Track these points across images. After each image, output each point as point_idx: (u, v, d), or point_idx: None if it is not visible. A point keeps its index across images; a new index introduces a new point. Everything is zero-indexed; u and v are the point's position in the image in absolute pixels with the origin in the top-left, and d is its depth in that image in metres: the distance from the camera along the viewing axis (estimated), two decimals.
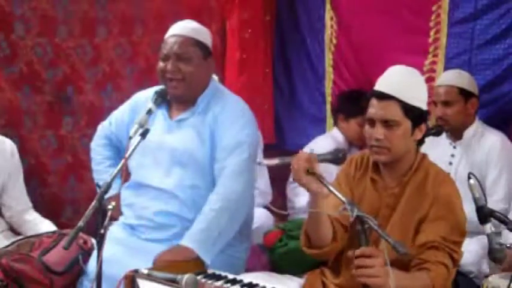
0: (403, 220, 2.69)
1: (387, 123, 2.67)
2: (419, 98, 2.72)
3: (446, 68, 4.26)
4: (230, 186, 3.14)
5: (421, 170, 2.74)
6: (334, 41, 4.79)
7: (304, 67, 4.97)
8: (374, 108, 2.71)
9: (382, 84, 2.74)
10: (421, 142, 2.81)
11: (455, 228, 2.65)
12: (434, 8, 4.32)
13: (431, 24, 4.34)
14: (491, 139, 3.87)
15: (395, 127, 2.67)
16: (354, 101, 4.50)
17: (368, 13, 4.55)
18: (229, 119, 3.24)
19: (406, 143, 2.71)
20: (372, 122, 2.71)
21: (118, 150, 3.56)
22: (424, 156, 2.81)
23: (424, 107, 2.75)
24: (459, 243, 2.66)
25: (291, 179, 4.58)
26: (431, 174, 2.73)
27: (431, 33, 4.34)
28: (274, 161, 2.63)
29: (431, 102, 3.99)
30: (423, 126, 2.75)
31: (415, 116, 2.70)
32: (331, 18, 4.78)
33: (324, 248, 2.71)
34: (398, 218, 2.70)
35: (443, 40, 4.31)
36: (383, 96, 2.69)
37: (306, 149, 4.30)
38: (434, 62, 4.34)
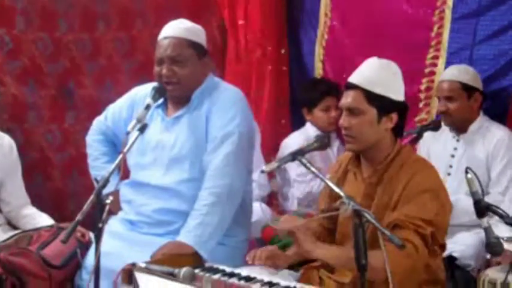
0: (380, 209, 2.70)
1: (352, 112, 2.74)
2: (386, 87, 2.74)
3: (447, 63, 4.25)
4: (218, 181, 3.14)
5: (398, 160, 2.75)
6: (326, 37, 4.77)
7: (296, 62, 4.95)
8: (343, 98, 2.79)
9: (352, 75, 2.80)
10: (400, 134, 2.82)
11: (423, 208, 2.61)
12: (439, 3, 4.31)
13: (435, 19, 4.32)
14: (498, 133, 3.88)
15: (360, 115, 2.72)
16: (310, 91, 4.50)
17: (369, 5, 4.54)
18: (219, 109, 3.24)
19: (373, 132, 2.74)
20: (342, 112, 2.79)
21: (114, 145, 3.56)
22: (404, 147, 2.83)
23: (396, 97, 2.75)
24: (428, 222, 2.60)
25: (278, 180, 4.60)
26: (408, 163, 2.73)
27: (435, 28, 4.32)
28: (274, 165, 2.67)
29: (437, 97, 4.02)
30: (394, 116, 2.75)
31: (381, 104, 2.72)
32: (326, 14, 4.76)
33: None
34: (375, 207, 2.71)
35: (446, 35, 4.29)
36: (349, 86, 2.77)
37: (282, 146, 4.41)
38: (436, 57, 4.33)
